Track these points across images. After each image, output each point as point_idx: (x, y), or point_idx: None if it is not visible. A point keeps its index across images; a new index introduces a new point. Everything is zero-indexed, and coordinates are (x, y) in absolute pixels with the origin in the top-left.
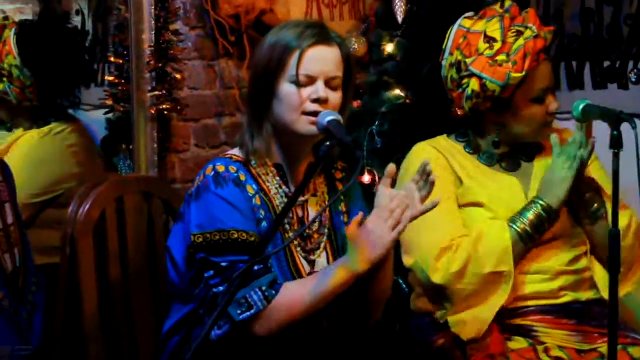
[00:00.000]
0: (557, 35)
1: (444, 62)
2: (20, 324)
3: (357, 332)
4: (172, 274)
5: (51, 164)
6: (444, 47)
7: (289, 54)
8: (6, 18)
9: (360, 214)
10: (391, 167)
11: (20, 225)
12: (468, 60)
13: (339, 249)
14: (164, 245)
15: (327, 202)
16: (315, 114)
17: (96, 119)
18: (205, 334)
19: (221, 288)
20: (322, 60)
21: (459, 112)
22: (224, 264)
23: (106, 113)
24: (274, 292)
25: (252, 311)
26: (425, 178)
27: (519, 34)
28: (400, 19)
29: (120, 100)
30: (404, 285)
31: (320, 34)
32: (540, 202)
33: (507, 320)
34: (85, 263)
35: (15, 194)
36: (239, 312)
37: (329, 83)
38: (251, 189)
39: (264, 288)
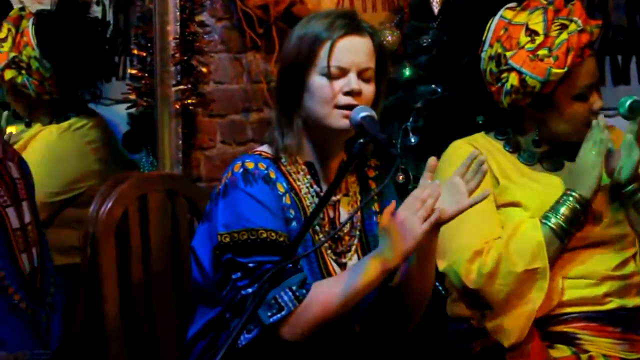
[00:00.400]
0: (602, 27)
1: (483, 55)
2: (38, 327)
3: (394, 336)
4: (197, 276)
5: (70, 160)
6: (483, 38)
7: (319, 45)
8: (22, 8)
9: (393, 202)
10: (432, 160)
11: (38, 224)
12: (508, 54)
13: (370, 251)
14: (188, 246)
15: (359, 202)
16: (348, 107)
17: (117, 114)
18: (233, 339)
19: (250, 290)
20: (354, 50)
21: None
22: (251, 265)
23: (128, 108)
24: (304, 291)
25: (283, 312)
26: (477, 168)
27: (563, 27)
28: (436, 9)
29: (143, 95)
30: (441, 288)
31: (351, 24)
32: (573, 194)
33: (549, 327)
34: (106, 263)
35: (33, 192)
36: (269, 314)
37: (361, 75)
38: (281, 187)
39: (294, 288)
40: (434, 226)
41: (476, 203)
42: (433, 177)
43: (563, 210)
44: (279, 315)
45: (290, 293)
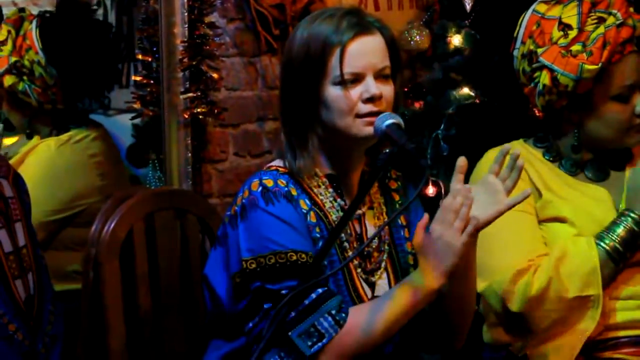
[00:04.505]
0: None
1: (515, 53)
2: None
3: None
4: (210, 306)
5: (70, 176)
6: (515, 34)
7: (329, 52)
8: (22, 10)
9: (425, 215)
10: (462, 160)
11: (34, 247)
12: (539, 50)
13: (400, 267)
14: (199, 269)
15: (384, 214)
16: (370, 114)
17: (121, 125)
18: None
19: (288, 319)
20: (366, 52)
21: (538, 113)
22: (284, 292)
23: (133, 118)
24: (344, 315)
25: (325, 340)
26: (511, 164)
27: (600, 20)
28: (468, 6)
29: (148, 104)
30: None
31: (359, 23)
32: (631, 214)
33: (595, 353)
34: (110, 289)
35: (29, 212)
36: (309, 343)
37: (378, 75)
38: (304, 205)
39: (333, 312)
40: (473, 235)
41: (517, 203)
42: (463, 178)
43: (619, 231)
44: (320, 344)
45: (330, 318)
